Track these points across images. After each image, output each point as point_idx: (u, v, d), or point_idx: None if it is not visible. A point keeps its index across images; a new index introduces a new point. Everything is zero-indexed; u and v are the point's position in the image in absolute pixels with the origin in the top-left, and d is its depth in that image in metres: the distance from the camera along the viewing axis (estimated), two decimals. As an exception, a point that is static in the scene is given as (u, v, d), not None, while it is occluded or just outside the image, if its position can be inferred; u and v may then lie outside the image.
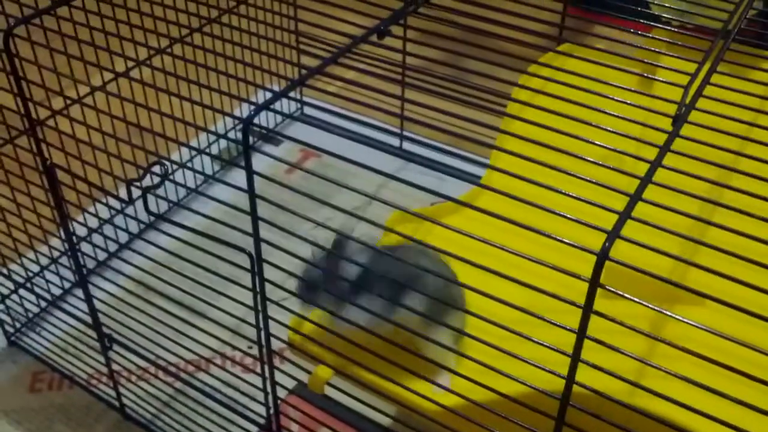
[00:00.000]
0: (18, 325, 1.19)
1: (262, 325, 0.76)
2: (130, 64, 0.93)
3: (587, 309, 0.48)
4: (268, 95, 0.67)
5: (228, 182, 0.74)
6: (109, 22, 0.87)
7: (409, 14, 0.77)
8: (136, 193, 0.75)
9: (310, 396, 1.00)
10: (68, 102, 0.91)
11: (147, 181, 0.74)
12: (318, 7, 0.90)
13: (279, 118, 1.65)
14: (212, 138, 1.55)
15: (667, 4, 1.07)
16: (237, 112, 1.53)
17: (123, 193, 0.76)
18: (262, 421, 0.95)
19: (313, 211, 0.63)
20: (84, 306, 0.95)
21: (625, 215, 0.48)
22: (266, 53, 0.78)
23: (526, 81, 0.99)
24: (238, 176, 1.44)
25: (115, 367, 1.01)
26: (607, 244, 0.46)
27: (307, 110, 1.72)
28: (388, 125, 1.61)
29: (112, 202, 1.19)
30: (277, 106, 0.67)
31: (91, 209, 1.15)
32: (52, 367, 1.14)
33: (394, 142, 1.60)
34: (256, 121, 0.65)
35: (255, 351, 0.80)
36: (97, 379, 1.12)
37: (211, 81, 0.78)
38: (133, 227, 1.23)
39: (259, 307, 0.75)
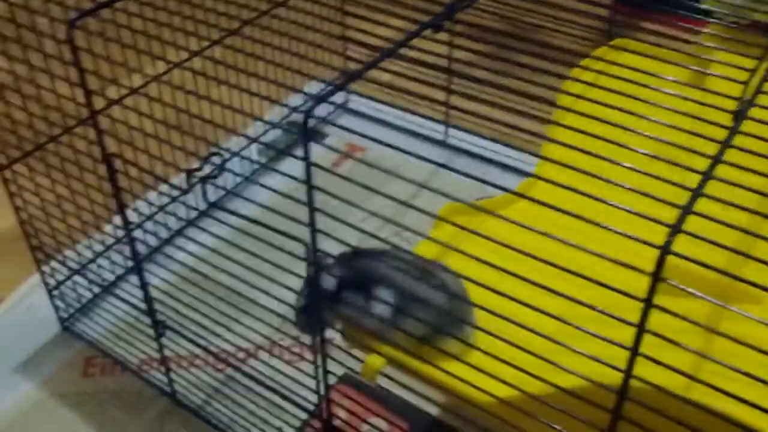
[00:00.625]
0: (71, 311, 1.21)
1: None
2: (183, 56, 0.94)
3: (648, 303, 0.49)
4: (314, 87, 0.68)
5: (283, 172, 0.76)
6: (162, 14, 0.89)
7: (464, 9, 0.77)
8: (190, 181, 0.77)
9: (359, 383, 1.01)
10: (125, 92, 0.93)
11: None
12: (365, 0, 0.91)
13: (324, 111, 1.66)
14: (263, 128, 1.56)
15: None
16: (283, 103, 1.55)
17: (177, 181, 0.78)
18: (311, 407, 0.97)
19: (362, 203, 0.65)
20: (138, 292, 0.98)
21: (686, 210, 0.48)
22: (313, 44, 0.79)
23: (578, 75, 0.99)
24: (287, 166, 1.46)
25: (166, 353, 1.03)
26: (670, 238, 0.46)
27: (352, 103, 1.73)
28: (432, 118, 1.61)
29: (166, 189, 1.21)
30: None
31: (146, 197, 1.17)
32: (104, 353, 1.17)
33: (439, 136, 1.60)
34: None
35: (306, 339, 0.82)
36: (148, 364, 1.14)
37: (258, 72, 0.80)
38: (182, 214, 1.25)
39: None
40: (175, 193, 0.85)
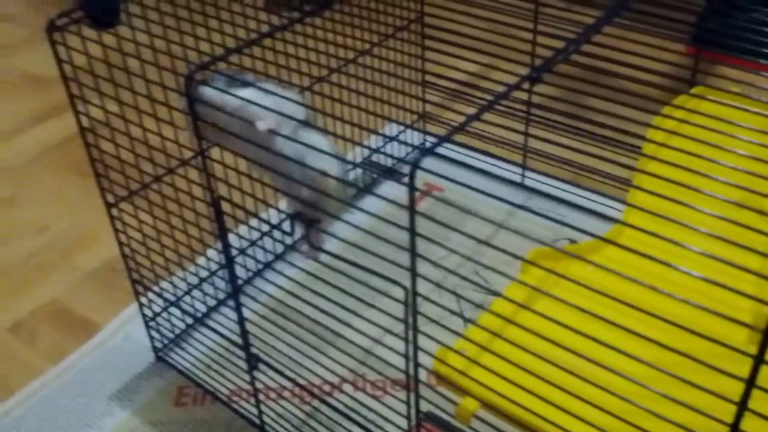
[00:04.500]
0: (166, 341, 1.27)
1: (411, 355, 0.80)
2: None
3: (759, 359, 0.50)
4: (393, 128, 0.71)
5: (367, 211, 0.79)
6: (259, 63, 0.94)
7: (561, 62, 0.80)
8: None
9: (444, 422, 1.03)
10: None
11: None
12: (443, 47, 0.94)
13: (403, 151, 1.68)
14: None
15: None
16: (366, 143, 1.59)
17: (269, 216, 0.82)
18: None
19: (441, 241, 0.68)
20: (230, 324, 1.02)
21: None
22: (393, 89, 0.82)
23: (660, 123, 1.01)
24: (366, 204, 1.50)
25: (257, 384, 1.07)
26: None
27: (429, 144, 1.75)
28: (510, 164, 1.62)
29: (259, 224, 1.26)
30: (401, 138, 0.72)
31: (239, 231, 1.22)
32: (196, 383, 1.21)
33: (516, 178, 1.61)
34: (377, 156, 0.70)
35: (399, 376, 0.84)
36: (238, 395, 1.18)
37: (345, 116, 0.84)
38: (270, 247, 1.29)
39: (410, 339, 0.79)
40: (272, 231, 0.89)
